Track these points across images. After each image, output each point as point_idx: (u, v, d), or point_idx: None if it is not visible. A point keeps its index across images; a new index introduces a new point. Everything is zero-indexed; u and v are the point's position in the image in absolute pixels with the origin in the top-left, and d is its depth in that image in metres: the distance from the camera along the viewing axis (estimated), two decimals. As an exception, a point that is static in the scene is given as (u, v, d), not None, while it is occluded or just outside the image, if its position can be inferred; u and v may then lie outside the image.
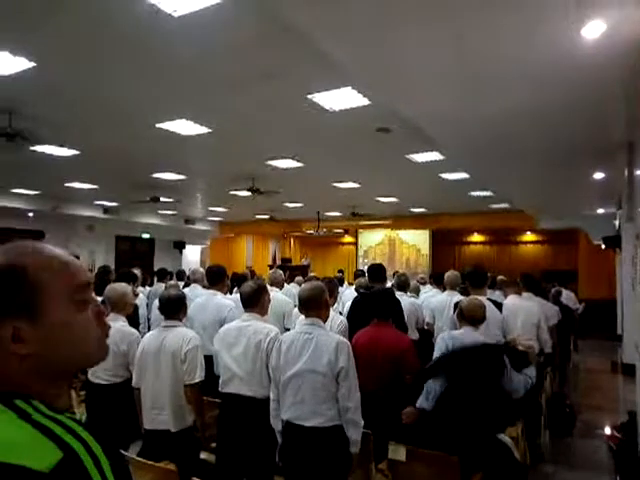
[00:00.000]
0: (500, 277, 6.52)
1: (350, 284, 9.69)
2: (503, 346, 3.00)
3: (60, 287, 0.72)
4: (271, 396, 2.60)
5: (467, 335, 3.07)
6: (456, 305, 3.57)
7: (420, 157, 7.19)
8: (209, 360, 2.98)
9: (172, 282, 6.04)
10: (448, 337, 3.15)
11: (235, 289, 5.98)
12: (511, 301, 4.51)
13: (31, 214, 12.79)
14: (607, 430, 5.20)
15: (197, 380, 2.81)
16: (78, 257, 5.44)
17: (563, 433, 4.98)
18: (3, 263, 0.70)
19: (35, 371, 0.71)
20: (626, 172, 5.45)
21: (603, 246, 10.15)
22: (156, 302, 5.14)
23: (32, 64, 3.99)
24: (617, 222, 8.95)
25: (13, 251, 0.72)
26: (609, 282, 12.20)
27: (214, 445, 3.00)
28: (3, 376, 0.70)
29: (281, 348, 2.53)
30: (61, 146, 6.80)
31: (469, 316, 3.13)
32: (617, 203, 8.69)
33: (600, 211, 10.86)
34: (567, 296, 8.64)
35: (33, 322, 0.69)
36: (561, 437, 4.92)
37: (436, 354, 3.10)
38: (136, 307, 4.60)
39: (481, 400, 2.63)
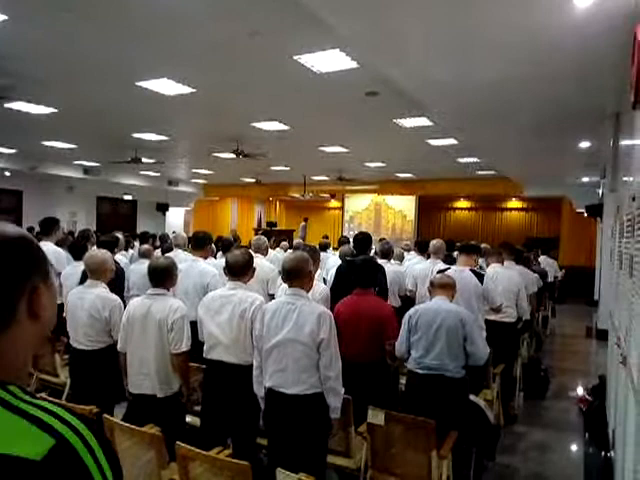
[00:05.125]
0: (483, 245, 6.58)
1: (335, 249, 9.72)
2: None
3: (45, 258, 0.76)
4: (254, 363, 2.63)
5: (435, 302, 3.09)
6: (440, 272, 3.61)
7: (408, 122, 7.11)
8: (192, 326, 2.98)
9: (146, 246, 5.71)
10: (413, 311, 3.15)
11: (220, 253, 5.95)
12: (492, 270, 4.59)
13: (7, 173, 12.42)
14: (579, 392, 5.43)
15: (184, 349, 2.82)
16: (58, 219, 5.32)
17: (537, 396, 5.17)
18: (16, 233, 0.71)
19: (31, 346, 0.71)
20: (611, 142, 5.44)
21: (585, 214, 10.29)
22: (136, 266, 5.07)
23: (4, 17, 3.78)
24: (600, 191, 9.03)
25: (11, 225, 0.73)
26: (589, 249, 12.46)
27: (198, 408, 3.05)
28: None
29: (264, 317, 2.54)
30: (38, 104, 6.54)
31: (439, 284, 3.17)
32: (602, 172, 8.73)
33: (585, 179, 10.94)
34: (548, 263, 8.80)
35: (47, 287, 0.72)
36: (535, 399, 5.12)
37: (402, 329, 3.10)
38: (123, 272, 4.54)
39: None
